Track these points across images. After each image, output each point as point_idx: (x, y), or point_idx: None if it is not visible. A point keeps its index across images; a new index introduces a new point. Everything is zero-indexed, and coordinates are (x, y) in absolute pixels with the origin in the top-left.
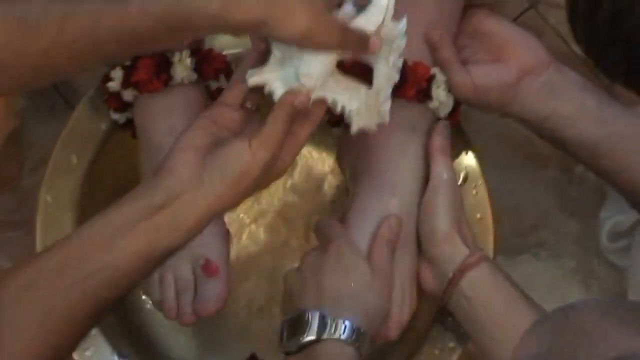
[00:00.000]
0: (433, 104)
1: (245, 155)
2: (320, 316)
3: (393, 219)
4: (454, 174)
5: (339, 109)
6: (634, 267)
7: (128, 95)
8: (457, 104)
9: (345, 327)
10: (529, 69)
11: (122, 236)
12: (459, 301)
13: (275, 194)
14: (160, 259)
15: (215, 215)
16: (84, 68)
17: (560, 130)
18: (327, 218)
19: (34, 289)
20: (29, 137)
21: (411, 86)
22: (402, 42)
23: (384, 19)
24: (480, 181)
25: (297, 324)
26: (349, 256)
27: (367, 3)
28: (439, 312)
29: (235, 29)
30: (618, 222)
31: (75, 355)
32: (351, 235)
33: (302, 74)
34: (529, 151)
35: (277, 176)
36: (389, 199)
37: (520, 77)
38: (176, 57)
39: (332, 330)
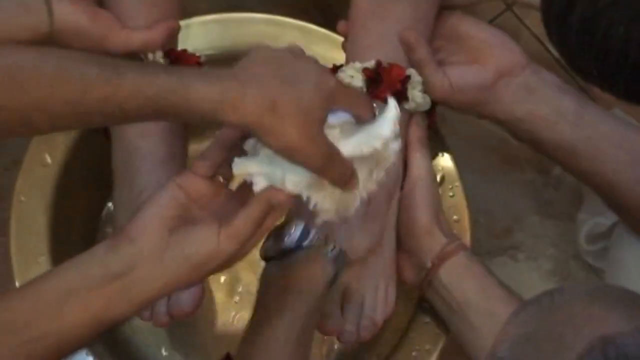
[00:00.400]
0: (409, 105)
1: (211, 244)
2: (305, 226)
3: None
4: (432, 165)
5: (311, 206)
6: (612, 270)
7: None
8: (433, 105)
9: (327, 241)
10: (505, 70)
11: (73, 301)
12: (438, 290)
13: None
14: (107, 327)
15: (170, 293)
16: (61, 130)
17: (537, 131)
18: None
19: None
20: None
21: (386, 88)
22: (390, 161)
23: (387, 139)
24: (457, 183)
25: (282, 230)
26: None
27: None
28: (418, 311)
29: (226, 126)
30: (596, 225)
31: None
32: None
33: (288, 180)
34: (505, 154)
35: (237, 261)
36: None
37: (497, 79)
38: (149, 58)
39: (314, 240)
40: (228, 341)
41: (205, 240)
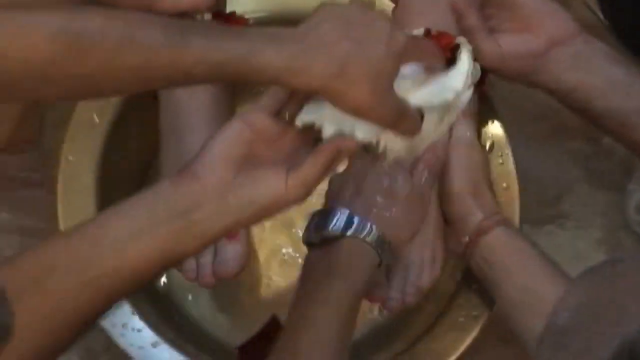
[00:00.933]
0: None
1: (278, 190)
2: (349, 214)
3: (437, 148)
4: (474, 134)
5: (380, 149)
6: None
7: None
8: (484, 73)
9: (371, 230)
10: (557, 39)
11: (139, 238)
12: (479, 264)
13: None
14: (173, 263)
15: (232, 231)
16: (125, 94)
17: (588, 101)
18: None
19: (42, 284)
20: None
21: None
22: (461, 107)
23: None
24: (507, 150)
25: (325, 218)
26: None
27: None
28: (465, 277)
29: (292, 89)
30: None
31: None
32: None
33: (357, 128)
34: (555, 122)
35: (297, 204)
36: None
37: (548, 48)
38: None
39: (359, 229)
40: (270, 304)
41: (272, 185)
